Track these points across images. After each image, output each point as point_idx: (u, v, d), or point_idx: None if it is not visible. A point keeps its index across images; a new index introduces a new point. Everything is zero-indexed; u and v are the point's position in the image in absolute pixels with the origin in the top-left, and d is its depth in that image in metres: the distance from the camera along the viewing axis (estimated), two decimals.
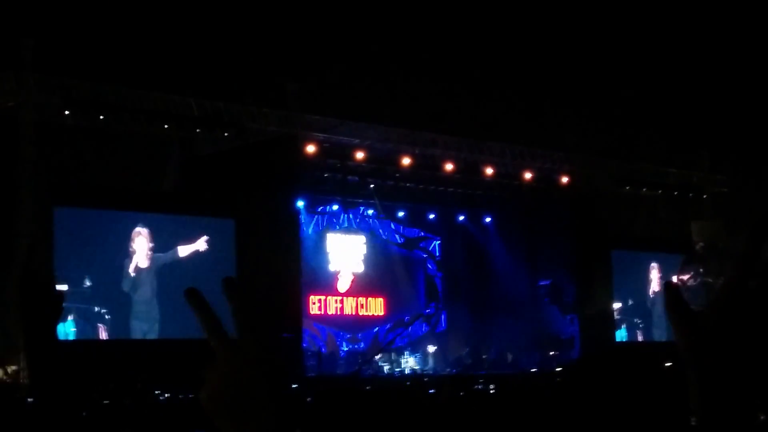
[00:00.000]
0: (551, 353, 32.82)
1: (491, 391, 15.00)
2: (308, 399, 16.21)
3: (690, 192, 35.22)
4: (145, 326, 24.76)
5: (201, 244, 25.35)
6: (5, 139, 22.92)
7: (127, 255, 24.54)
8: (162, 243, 25.13)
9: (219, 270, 25.88)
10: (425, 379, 28.74)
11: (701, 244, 31.38)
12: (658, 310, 34.99)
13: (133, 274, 24.59)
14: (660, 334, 34.89)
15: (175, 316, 25.09)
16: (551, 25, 33.83)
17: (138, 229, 24.62)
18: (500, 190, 32.48)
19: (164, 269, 25.02)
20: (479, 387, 17.92)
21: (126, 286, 24.56)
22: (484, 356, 32.71)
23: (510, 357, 32.90)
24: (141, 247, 24.69)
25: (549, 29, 33.87)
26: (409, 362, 30.97)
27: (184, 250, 25.22)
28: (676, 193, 34.79)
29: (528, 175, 31.51)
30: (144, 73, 24.54)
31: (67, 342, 23.12)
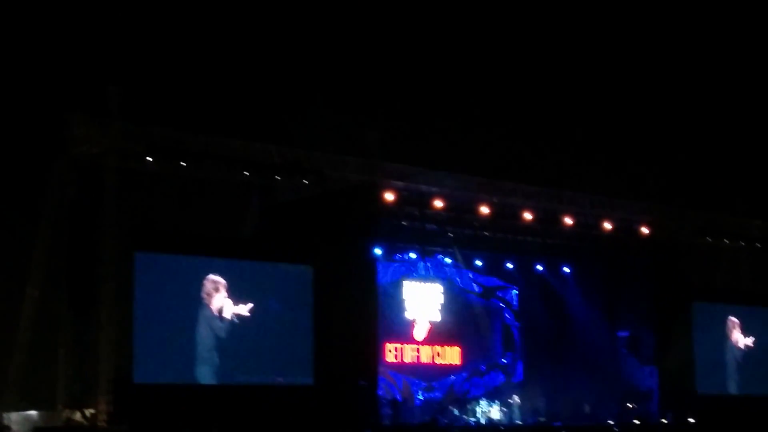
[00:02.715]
0: (629, 405, 32.39)
1: None
2: None
3: None
4: (206, 369, 24.73)
5: (244, 310, 25.24)
6: (89, 184, 23.33)
7: (201, 301, 24.65)
8: (240, 289, 25.26)
9: (296, 316, 26.01)
10: (501, 429, 28.56)
11: None
12: (731, 363, 34.46)
13: (208, 320, 24.66)
14: (734, 387, 34.28)
15: (242, 361, 25.15)
16: (632, 77, 33.70)
17: (213, 277, 24.73)
18: (579, 240, 32.25)
19: (240, 316, 25.11)
20: None
21: (201, 332, 24.60)
22: (561, 407, 32.38)
23: (587, 408, 32.52)
24: (218, 295, 24.78)
25: (630, 80, 33.74)
26: (485, 411, 30.72)
27: (239, 309, 25.12)
28: (758, 245, 34.24)
29: (608, 225, 31.26)
30: (225, 121, 24.89)
31: (136, 385, 23.32)
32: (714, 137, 34.84)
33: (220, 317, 24.63)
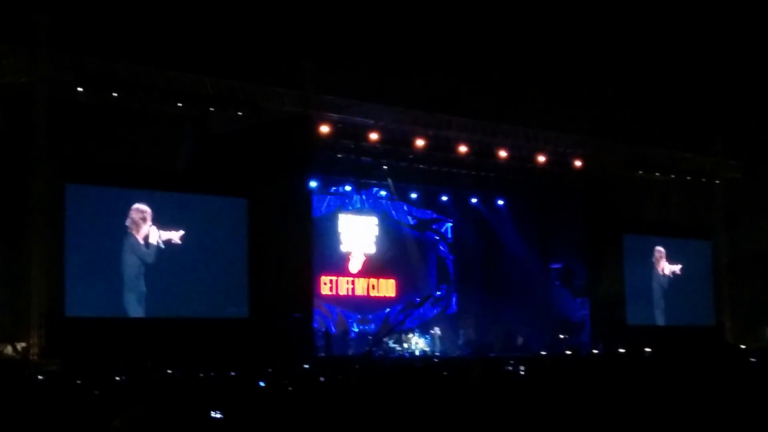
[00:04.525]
0: (561, 336, 32.81)
1: (521, 373, 15.02)
2: (321, 379, 16.17)
3: (703, 177, 35.09)
4: (139, 302, 24.53)
5: (174, 235, 25.06)
6: (19, 115, 22.87)
7: (127, 230, 24.39)
8: (173, 222, 25.04)
9: (231, 249, 25.92)
10: (435, 360, 28.77)
11: None
12: (658, 293, 34.96)
13: (134, 248, 24.41)
14: (660, 318, 34.82)
15: (176, 295, 25.02)
16: (566, 9, 33.64)
17: (138, 206, 24.45)
18: (513, 173, 32.36)
19: (171, 246, 24.88)
20: (509, 368, 17.83)
21: (128, 260, 24.37)
22: (494, 339, 32.70)
23: (520, 340, 32.88)
24: (144, 224, 24.53)
25: (564, 13, 33.68)
26: (419, 344, 30.93)
27: (166, 233, 24.88)
28: (688, 178, 34.66)
29: (541, 159, 31.42)
30: (159, 51, 24.44)
31: (68, 319, 23.10)
32: (645, 71, 35.01)
33: (146, 244, 24.45)
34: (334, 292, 31.56)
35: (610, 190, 33.26)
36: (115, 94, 23.57)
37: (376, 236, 32.77)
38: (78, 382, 16.05)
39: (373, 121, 28.25)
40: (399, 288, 33.21)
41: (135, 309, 24.36)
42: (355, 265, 32.27)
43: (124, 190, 24.44)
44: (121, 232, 24.22)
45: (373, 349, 29.59)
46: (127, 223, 24.27)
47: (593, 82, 33.95)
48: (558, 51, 34.06)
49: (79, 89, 23.07)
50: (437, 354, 30.43)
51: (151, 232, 24.55)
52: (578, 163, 32.17)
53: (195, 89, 24.82)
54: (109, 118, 24.03)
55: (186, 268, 25.19)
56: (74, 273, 23.33)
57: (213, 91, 25.08)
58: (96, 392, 13.83)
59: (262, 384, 15.51)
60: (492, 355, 30.22)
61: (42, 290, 22.71)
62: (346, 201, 32.19)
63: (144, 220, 24.50)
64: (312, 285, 28.03)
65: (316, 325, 28.27)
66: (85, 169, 24.05)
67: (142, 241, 24.44)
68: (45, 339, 22.52)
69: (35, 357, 22.37)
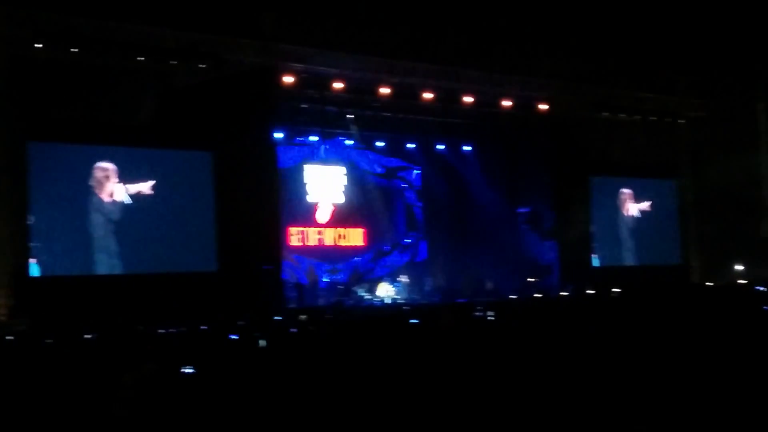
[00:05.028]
0: (530, 280, 32.96)
1: (490, 318, 15.11)
2: (292, 330, 16.15)
3: (667, 117, 35.17)
4: (107, 260, 24.46)
5: (146, 187, 24.94)
6: None
7: (92, 189, 24.26)
8: (137, 178, 24.89)
9: (198, 203, 25.80)
10: (406, 308, 28.85)
11: None
12: (625, 234, 35.13)
13: (99, 206, 24.30)
14: (629, 258, 35.00)
15: (144, 251, 24.91)
16: None
17: (102, 164, 24.28)
18: (479, 118, 32.33)
19: (137, 203, 24.76)
20: (478, 314, 17.88)
21: (95, 219, 24.27)
22: (463, 284, 32.81)
23: (489, 284, 33.01)
24: (108, 183, 24.39)
25: None
26: (389, 292, 31.01)
27: (132, 188, 24.77)
28: (653, 118, 34.72)
29: (507, 103, 31.38)
30: (117, 4, 24.05)
31: (35, 279, 23.00)
32: (608, 11, 34.91)
33: (112, 202, 24.34)
34: (303, 243, 31.55)
35: (576, 133, 33.26)
36: (75, 50, 23.24)
37: (344, 186, 32.72)
38: (48, 341, 15.98)
39: (336, 70, 28.07)
40: (368, 237, 33.23)
41: (105, 266, 24.28)
42: (323, 215, 32.24)
43: (87, 147, 24.25)
44: (86, 191, 24.10)
45: (344, 298, 29.67)
46: (92, 182, 24.14)
47: (556, 24, 33.83)
48: None
49: (38, 46, 22.74)
50: (406, 301, 30.52)
51: (116, 190, 24.43)
52: (543, 107, 32.16)
53: (156, 42, 24.53)
54: (70, 75, 23.66)
55: (154, 224, 25.06)
56: (40, 232, 23.18)
57: (174, 44, 24.79)
58: (66, 351, 13.78)
59: (233, 337, 15.50)
60: (461, 300, 30.34)
61: (7, 250, 22.53)
62: (312, 151, 32.08)
63: (107, 178, 24.37)
64: (280, 236, 28.01)
65: (286, 277, 28.26)
66: (46, 126, 23.76)
67: (107, 199, 24.32)
68: (12, 299, 22.38)
69: (3, 317, 22.23)
